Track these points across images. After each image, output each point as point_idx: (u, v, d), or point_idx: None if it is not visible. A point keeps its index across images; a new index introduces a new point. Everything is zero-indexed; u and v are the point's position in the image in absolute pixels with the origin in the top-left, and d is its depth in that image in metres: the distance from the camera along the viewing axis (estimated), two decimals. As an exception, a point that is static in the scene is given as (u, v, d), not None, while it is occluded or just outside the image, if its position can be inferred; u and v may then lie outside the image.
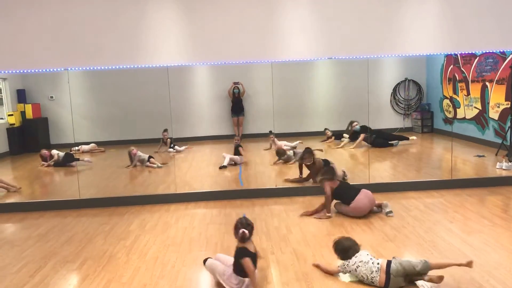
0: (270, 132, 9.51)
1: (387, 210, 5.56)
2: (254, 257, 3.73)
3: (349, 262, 3.86)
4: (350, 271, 3.85)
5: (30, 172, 8.94)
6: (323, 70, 10.85)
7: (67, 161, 9.12)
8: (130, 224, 5.69)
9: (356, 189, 5.63)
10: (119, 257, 4.60)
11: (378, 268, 3.68)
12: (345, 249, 3.92)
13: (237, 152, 8.88)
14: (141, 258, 4.54)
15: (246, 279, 3.66)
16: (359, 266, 3.78)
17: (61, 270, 4.35)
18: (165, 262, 4.41)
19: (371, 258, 3.80)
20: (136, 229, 5.49)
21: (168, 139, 9.92)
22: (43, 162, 9.24)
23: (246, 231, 3.69)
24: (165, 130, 9.80)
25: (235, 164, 8.74)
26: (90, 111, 10.15)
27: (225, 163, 8.58)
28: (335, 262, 4.04)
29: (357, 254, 3.87)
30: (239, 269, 3.68)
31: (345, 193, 5.61)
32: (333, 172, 5.96)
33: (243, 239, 3.70)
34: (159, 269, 4.27)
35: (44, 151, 9.25)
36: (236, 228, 3.76)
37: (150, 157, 8.97)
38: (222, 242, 4.88)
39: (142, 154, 9.00)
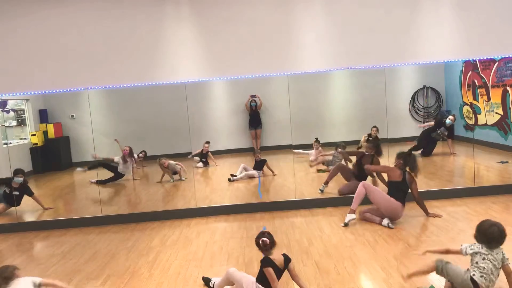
0: (316, 139, 9.54)
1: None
2: (278, 269, 3.69)
3: (484, 249, 3.56)
4: (476, 253, 3.56)
5: (53, 191, 9.08)
6: (340, 81, 10.82)
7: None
8: (152, 239, 5.73)
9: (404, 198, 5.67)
10: (141, 273, 4.62)
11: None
12: (490, 236, 3.55)
13: (259, 167, 8.87)
14: (164, 274, 4.55)
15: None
16: (488, 260, 3.51)
17: (85, 287, 4.39)
18: (187, 277, 4.42)
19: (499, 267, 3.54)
20: (158, 244, 5.51)
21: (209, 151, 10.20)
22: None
23: (266, 239, 3.70)
24: (207, 142, 10.10)
25: (253, 177, 8.76)
26: (110, 128, 10.29)
27: (238, 176, 8.69)
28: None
29: (494, 250, 3.57)
30: (262, 279, 3.69)
31: (400, 190, 5.62)
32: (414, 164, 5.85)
33: (266, 246, 3.70)
34: (181, 284, 4.27)
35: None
36: (257, 242, 3.78)
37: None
38: (244, 256, 4.86)
39: (173, 164, 9.10)
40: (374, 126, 9.86)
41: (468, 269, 3.60)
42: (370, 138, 9.85)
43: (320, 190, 7.24)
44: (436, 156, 9.60)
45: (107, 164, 9.21)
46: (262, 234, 3.78)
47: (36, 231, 6.50)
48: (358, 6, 6.47)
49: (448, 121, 9.44)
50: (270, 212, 6.52)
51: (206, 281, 4.15)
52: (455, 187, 6.90)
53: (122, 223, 6.57)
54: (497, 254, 3.57)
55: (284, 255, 3.79)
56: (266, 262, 3.67)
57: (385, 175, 6.26)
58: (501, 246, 3.59)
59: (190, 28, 6.45)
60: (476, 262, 3.56)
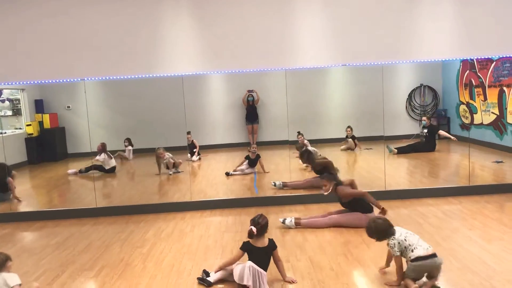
0: (298, 132, 9.54)
1: None
2: (256, 251, 3.94)
3: (394, 236, 3.83)
4: (399, 242, 3.78)
5: (48, 181, 9.06)
6: (338, 77, 10.82)
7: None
8: (146, 232, 5.72)
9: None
10: (135, 265, 4.62)
11: (428, 247, 3.75)
12: (384, 229, 3.89)
13: (253, 164, 8.83)
14: (157, 266, 4.55)
15: (249, 262, 3.85)
16: (407, 236, 3.83)
17: (79, 278, 4.39)
18: (181, 270, 4.42)
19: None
20: (152, 237, 5.51)
21: (193, 140, 10.13)
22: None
23: (254, 229, 3.94)
24: (188, 133, 9.95)
25: (247, 172, 8.76)
26: (106, 120, 10.25)
27: (235, 172, 8.69)
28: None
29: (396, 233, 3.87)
30: (254, 260, 3.90)
31: (365, 202, 5.47)
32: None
33: (249, 235, 3.96)
34: (175, 277, 4.27)
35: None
36: (250, 224, 4.01)
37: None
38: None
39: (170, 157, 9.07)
40: (348, 126, 10.07)
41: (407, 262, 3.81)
42: (349, 138, 10.18)
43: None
44: (431, 154, 9.63)
45: (97, 166, 9.31)
46: (257, 223, 3.97)
47: (30, 221, 6.47)
48: (357, 3, 6.46)
49: (423, 122, 10.09)
50: (265, 207, 6.51)
51: (206, 274, 4.13)
52: (450, 186, 6.92)
53: (117, 215, 6.55)
54: (401, 230, 3.90)
55: (270, 239, 4.05)
56: (243, 245, 4.01)
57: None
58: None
59: (188, 20, 6.42)
60: (405, 247, 3.77)
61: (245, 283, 3.77)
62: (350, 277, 4.08)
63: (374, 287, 3.85)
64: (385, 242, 3.91)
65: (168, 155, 9.01)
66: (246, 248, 3.98)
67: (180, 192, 7.56)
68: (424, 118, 10.14)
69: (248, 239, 4.01)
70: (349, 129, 10.14)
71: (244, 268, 3.80)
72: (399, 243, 3.78)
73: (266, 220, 4.03)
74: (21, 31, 6.31)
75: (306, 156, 7.43)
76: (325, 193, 5.53)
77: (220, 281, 4.06)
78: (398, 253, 3.79)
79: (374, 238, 3.97)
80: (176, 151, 9.60)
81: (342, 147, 10.18)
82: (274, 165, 9.12)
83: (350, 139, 10.14)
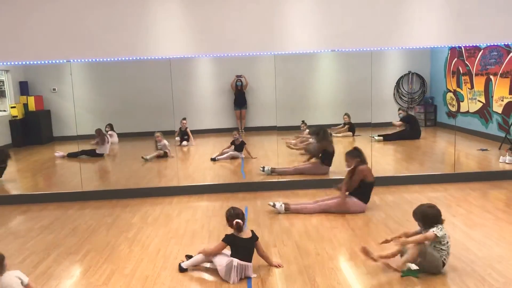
0: (303, 121, 9.45)
1: None
2: (242, 242, 3.89)
3: (442, 226, 3.80)
4: (445, 233, 3.76)
5: (33, 165, 8.96)
6: (326, 63, 10.80)
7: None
8: (133, 216, 5.70)
9: None
10: (121, 249, 4.61)
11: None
12: (437, 219, 3.82)
13: (239, 149, 8.82)
14: (144, 250, 4.55)
15: (235, 260, 3.79)
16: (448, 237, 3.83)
17: (64, 261, 4.37)
18: (167, 254, 4.42)
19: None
20: (139, 221, 5.50)
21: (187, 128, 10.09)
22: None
23: (241, 222, 3.88)
24: (184, 118, 9.94)
25: (236, 157, 8.74)
26: (93, 103, 10.14)
27: (220, 157, 8.67)
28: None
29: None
30: (235, 254, 3.87)
31: (368, 191, 5.45)
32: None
33: (239, 229, 3.88)
34: (161, 261, 4.28)
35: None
36: (229, 220, 3.95)
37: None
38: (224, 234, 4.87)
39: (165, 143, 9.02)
40: (345, 114, 10.09)
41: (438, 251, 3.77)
42: (346, 125, 10.22)
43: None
44: (417, 141, 9.71)
45: (86, 151, 9.20)
46: (236, 215, 3.92)
47: (15, 205, 6.40)
48: (348, -12, 6.42)
49: (400, 115, 10.15)
50: (253, 192, 6.53)
51: (189, 259, 4.15)
52: (436, 173, 7.00)
53: (103, 199, 6.50)
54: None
55: (252, 231, 4.01)
56: (226, 238, 3.91)
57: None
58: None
59: (177, 2, 6.32)
60: (446, 241, 3.77)
61: (231, 282, 3.75)
62: (336, 262, 4.12)
63: (360, 272, 3.89)
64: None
65: (165, 142, 8.94)
66: (230, 240, 3.91)
67: (168, 177, 7.54)
68: (400, 111, 10.17)
69: (232, 231, 3.96)
70: (345, 116, 10.13)
71: (231, 268, 3.75)
72: (445, 234, 3.76)
73: (240, 210, 4.01)
74: (5, 11, 6.15)
75: (322, 134, 7.42)
76: (347, 169, 5.44)
77: (199, 265, 4.07)
78: (437, 238, 3.71)
79: (420, 222, 3.87)
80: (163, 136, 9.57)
81: (339, 134, 10.18)
82: (263, 151, 9.12)
83: (347, 126, 10.16)
